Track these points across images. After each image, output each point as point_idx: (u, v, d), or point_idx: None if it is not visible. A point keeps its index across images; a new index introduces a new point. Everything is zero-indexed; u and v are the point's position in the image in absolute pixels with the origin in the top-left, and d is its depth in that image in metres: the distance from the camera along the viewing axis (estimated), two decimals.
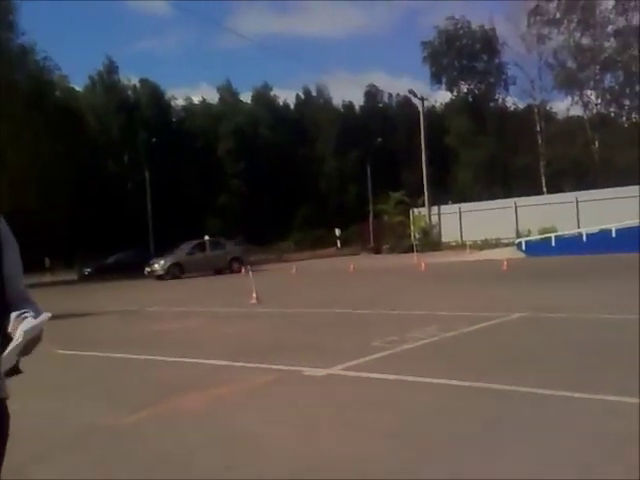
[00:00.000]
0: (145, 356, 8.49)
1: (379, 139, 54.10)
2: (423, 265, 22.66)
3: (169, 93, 65.61)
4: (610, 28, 45.78)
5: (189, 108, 68.68)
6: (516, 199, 35.76)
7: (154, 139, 49.52)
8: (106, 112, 57.55)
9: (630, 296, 11.28)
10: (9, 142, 35.24)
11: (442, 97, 55.41)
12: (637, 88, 45.69)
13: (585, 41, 46.35)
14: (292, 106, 71.33)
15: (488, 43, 48.95)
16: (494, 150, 45.94)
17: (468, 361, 6.92)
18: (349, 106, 71.64)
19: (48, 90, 46.08)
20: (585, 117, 47.36)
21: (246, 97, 70.94)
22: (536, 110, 47.48)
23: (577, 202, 32.98)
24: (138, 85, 63.63)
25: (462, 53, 48.90)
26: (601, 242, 25.20)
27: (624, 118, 48.64)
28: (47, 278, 33.66)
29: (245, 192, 61.06)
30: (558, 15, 46.28)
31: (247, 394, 6.10)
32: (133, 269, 30.55)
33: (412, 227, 39.00)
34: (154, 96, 62.40)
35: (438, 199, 39.43)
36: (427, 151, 39.05)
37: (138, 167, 50.04)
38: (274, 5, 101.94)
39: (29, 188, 36.13)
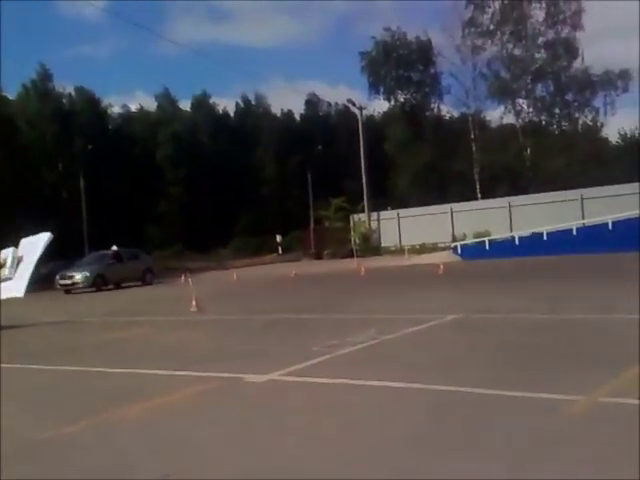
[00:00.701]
0: (85, 367, 8.32)
1: (319, 147, 54.51)
2: (363, 269, 22.96)
3: (105, 101, 64.38)
4: (541, 40, 47.58)
5: (126, 115, 67.51)
6: (452, 205, 36.67)
7: (90, 146, 48.38)
8: (40, 120, 55.95)
9: (560, 298, 11.78)
10: None
11: (380, 106, 56.30)
12: (566, 97, 47.64)
13: (517, 52, 47.99)
14: (232, 114, 71.03)
15: (424, 54, 49.97)
16: (430, 157, 46.93)
17: (406, 363, 7.08)
18: (289, 114, 71.91)
19: None
20: (517, 125, 48.94)
21: (185, 105, 70.22)
22: (470, 118, 48.78)
23: (510, 207, 34.06)
24: (73, 93, 62.19)
25: (399, 63, 49.75)
26: (533, 245, 26.11)
27: (555, 126, 50.52)
28: None
29: (185, 199, 60.33)
30: (492, 27, 47.75)
31: (187, 403, 6.06)
32: None
33: (352, 233, 39.44)
34: (90, 103, 61.09)
35: (377, 205, 40.05)
36: (366, 158, 39.61)
37: (73, 175, 48.75)
38: (209, 13, 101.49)
39: None
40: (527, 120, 48.88)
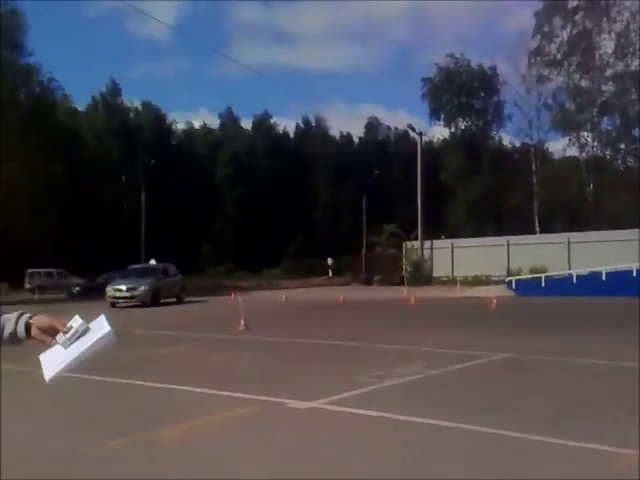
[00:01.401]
0: (130, 380, 8.46)
1: (376, 172, 54.54)
2: (413, 299, 22.69)
3: (170, 117, 66.27)
4: (609, 72, 46.52)
5: (190, 132, 69.27)
6: (508, 237, 35.98)
7: (153, 161, 49.72)
8: (106, 133, 57.94)
9: (617, 343, 11.36)
10: (4, 158, 35.47)
11: (440, 132, 56.11)
12: (633, 132, 46.33)
13: (584, 83, 47.08)
14: (291, 135, 72.03)
15: (487, 81, 49.69)
16: (488, 188, 46.31)
17: (450, 401, 6.93)
18: (347, 137, 72.40)
19: (49, 110, 46.49)
20: (581, 159, 47.85)
21: (246, 124, 71.64)
22: (532, 150, 47.99)
23: (569, 243, 33.18)
24: (140, 108, 64.22)
25: (461, 90, 49.57)
26: (591, 284, 25.31)
27: (619, 161, 49.20)
28: (36, 296, 33.50)
29: (240, 218, 61.21)
30: (559, 56, 47.00)
31: (229, 425, 6.09)
32: None
33: (404, 260, 39.08)
34: (155, 119, 62.98)
35: (431, 234, 39.63)
36: (423, 185, 39.36)
37: (135, 189, 50.15)
38: (273, 35, 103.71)
39: (20, 206, 36.25)
40: (591, 154, 47.78)
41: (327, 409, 6.58)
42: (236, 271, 51.36)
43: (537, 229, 43.53)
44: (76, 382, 8.67)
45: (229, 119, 70.36)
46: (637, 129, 46.31)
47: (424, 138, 42.56)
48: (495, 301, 20.25)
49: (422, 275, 37.22)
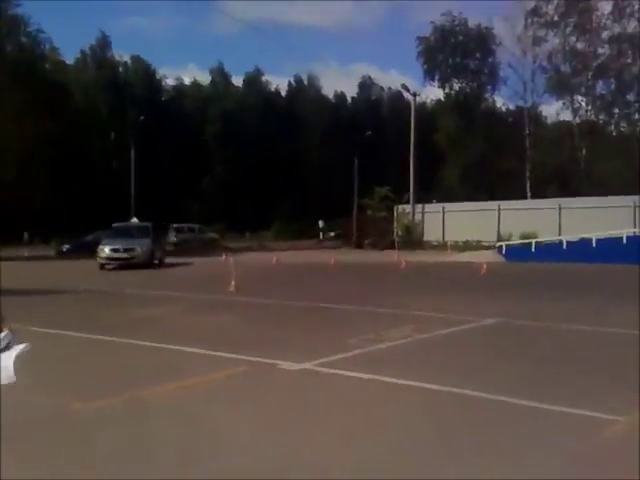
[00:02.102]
0: (120, 339, 8.43)
1: (368, 132, 54.01)
2: (404, 263, 22.73)
3: (160, 72, 65.16)
4: (605, 34, 45.97)
5: (180, 88, 68.19)
6: (500, 202, 35.92)
7: (142, 117, 48.99)
8: (95, 88, 56.93)
9: (607, 310, 11.43)
10: None
11: (433, 94, 55.51)
12: (628, 97, 46.04)
13: (580, 46, 46.54)
14: (283, 93, 71.11)
15: (483, 42, 48.87)
16: (482, 152, 46.05)
17: (439, 364, 6.95)
18: (341, 96, 71.58)
19: (38, 62, 45.53)
20: (574, 123, 47.57)
21: (237, 81, 70.59)
22: (526, 113, 47.61)
23: (560, 209, 33.19)
24: (129, 62, 63.05)
25: (456, 50, 48.81)
26: (581, 251, 25.38)
27: (613, 126, 48.98)
28: (25, 252, 33.33)
29: (229, 178, 60.77)
30: (556, 17, 46.34)
31: (220, 385, 6.10)
32: None
33: (395, 224, 39.04)
34: (145, 74, 61.89)
35: (423, 197, 39.51)
36: (416, 148, 39.07)
37: (124, 145, 49.55)
38: None
39: (9, 160, 35.72)
40: (584, 119, 47.50)
41: (318, 371, 6.59)
42: (227, 232, 51.28)
43: (529, 194, 43.47)
44: (65, 339, 8.67)
45: (220, 75, 69.23)
46: (632, 93, 46.00)
47: (417, 99, 42.10)
48: (485, 266, 20.32)
49: (413, 239, 37.23)
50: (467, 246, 33.04)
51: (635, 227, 28.56)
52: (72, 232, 36.78)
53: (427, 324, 9.48)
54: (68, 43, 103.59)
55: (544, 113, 52.10)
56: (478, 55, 49.41)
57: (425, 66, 49.24)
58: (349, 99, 71.83)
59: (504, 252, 28.21)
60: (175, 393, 5.76)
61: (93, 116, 54.59)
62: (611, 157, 42.86)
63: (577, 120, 47.44)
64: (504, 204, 35.61)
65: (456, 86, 50.03)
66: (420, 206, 38.81)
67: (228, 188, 59.89)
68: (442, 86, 50.44)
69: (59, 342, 8.55)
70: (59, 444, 4.45)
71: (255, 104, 65.55)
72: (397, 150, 49.30)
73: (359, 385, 6.06)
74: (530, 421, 4.91)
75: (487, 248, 30.97)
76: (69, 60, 58.81)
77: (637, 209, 30.48)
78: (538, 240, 28.71)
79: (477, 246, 32.59)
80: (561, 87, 46.53)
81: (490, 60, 49.58)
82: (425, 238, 37.73)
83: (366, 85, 71.87)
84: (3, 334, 2.06)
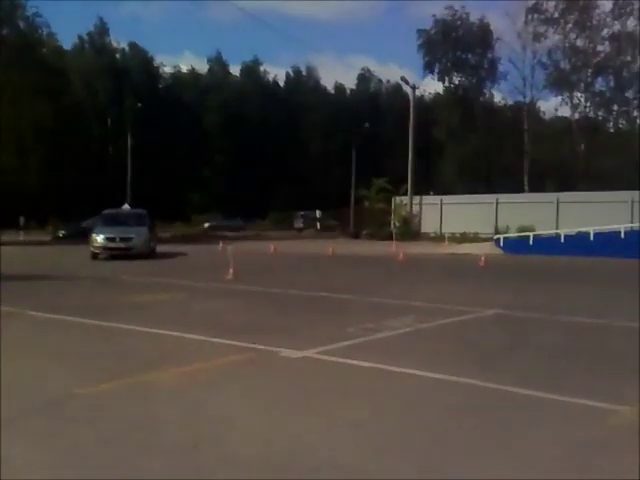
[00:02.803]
0: (121, 325, 8.39)
1: (367, 124, 53.91)
2: (401, 254, 22.72)
3: (157, 59, 64.78)
4: (605, 32, 46.05)
5: (177, 76, 67.83)
6: (498, 195, 35.96)
7: (140, 105, 48.73)
8: (93, 74, 56.60)
9: (605, 302, 11.45)
10: None
11: (431, 87, 55.40)
12: (627, 94, 46.07)
13: (580, 43, 46.59)
14: (281, 84, 70.82)
15: (483, 37, 48.84)
16: (480, 146, 46.05)
17: (441, 354, 6.94)
18: (340, 88, 71.36)
19: (35, 47, 45.20)
20: (573, 119, 47.61)
21: (235, 70, 70.23)
22: (525, 108, 47.61)
23: (558, 203, 33.23)
24: (127, 49, 62.69)
25: (457, 44, 48.73)
26: (578, 244, 25.46)
27: (611, 123, 49.04)
28: (21, 237, 33.19)
29: (228, 167, 60.62)
30: (556, 14, 46.35)
31: (222, 372, 6.06)
32: None
33: (393, 215, 39.04)
34: (143, 61, 61.53)
35: (420, 190, 39.51)
36: (414, 140, 39.02)
37: (122, 132, 49.32)
38: None
39: (6, 144, 35.53)
40: (583, 115, 47.54)
41: (319, 358, 6.57)
42: (224, 221, 51.21)
43: (526, 188, 43.51)
44: (66, 325, 8.62)
45: (218, 64, 68.84)
46: (631, 91, 46.06)
47: (416, 92, 42.02)
48: (484, 258, 20.34)
49: (410, 231, 37.26)
50: (464, 238, 33.08)
51: (633, 222, 28.63)
52: (68, 217, 36.68)
53: (427, 314, 9.47)
54: (65, 29, 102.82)
55: (542, 109, 52.20)
56: (478, 50, 49.37)
57: (425, 59, 49.18)
58: (348, 91, 71.59)
59: (502, 245, 28.26)
60: (176, 379, 5.73)
61: (91, 102, 54.30)
62: (609, 153, 42.89)
63: (576, 116, 47.51)
64: (502, 197, 35.66)
65: (456, 80, 50.01)
66: (418, 198, 38.83)
67: (227, 177, 59.75)
68: (441, 79, 50.40)
69: (59, 327, 8.51)
70: (61, 429, 4.41)
71: (254, 94, 65.26)
72: (395, 142, 49.22)
73: (360, 372, 6.04)
74: (533, 411, 4.90)
75: (484, 240, 31.00)
76: (66, 46, 58.50)
77: (635, 204, 30.52)
78: (536, 233, 28.76)
79: (474, 238, 32.62)
80: (560, 83, 46.55)
81: (490, 55, 49.59)
82: (422, 230, 37.78)
83: (365, 77, 71.63)
84: None
